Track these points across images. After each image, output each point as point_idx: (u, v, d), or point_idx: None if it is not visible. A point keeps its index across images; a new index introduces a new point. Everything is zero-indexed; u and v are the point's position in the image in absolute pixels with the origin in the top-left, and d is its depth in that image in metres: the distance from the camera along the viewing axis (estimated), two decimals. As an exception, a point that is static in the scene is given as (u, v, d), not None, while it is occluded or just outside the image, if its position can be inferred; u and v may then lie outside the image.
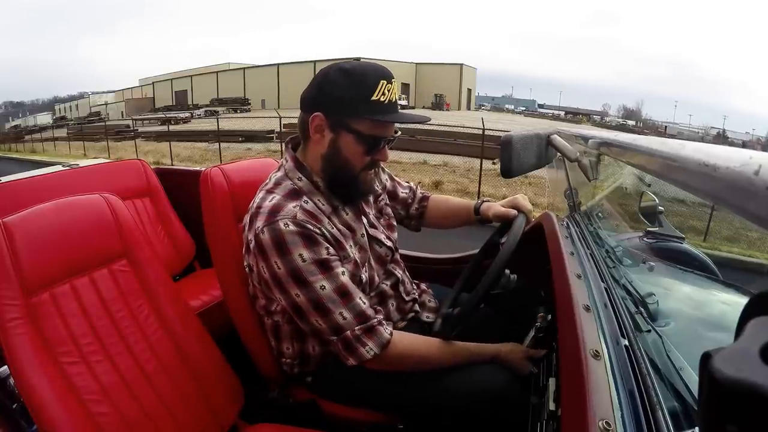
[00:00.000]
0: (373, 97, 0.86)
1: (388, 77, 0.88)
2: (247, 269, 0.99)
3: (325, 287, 0.87)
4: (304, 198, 0.93)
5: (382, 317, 0.93)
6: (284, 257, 0.86)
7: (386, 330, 0.92)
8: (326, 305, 0.88)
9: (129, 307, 1.02)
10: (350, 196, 0.99)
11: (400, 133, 0.99)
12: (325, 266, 0.88)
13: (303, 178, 0.96)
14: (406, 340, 0.94)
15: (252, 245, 0.90)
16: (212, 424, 1.03)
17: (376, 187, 1.15)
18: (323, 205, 0.95)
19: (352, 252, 0.97)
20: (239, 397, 1.11)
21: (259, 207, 0.91)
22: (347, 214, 1.00)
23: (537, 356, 0.95)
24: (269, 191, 0.94)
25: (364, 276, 0.99)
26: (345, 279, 0.90)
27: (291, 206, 0.89)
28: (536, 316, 0.98)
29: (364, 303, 0.91)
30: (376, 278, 1.05)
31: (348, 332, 0.89)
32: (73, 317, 0.93)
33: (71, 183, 1.70)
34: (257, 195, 0.96)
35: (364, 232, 1.04)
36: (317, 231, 0.89)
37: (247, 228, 0.93)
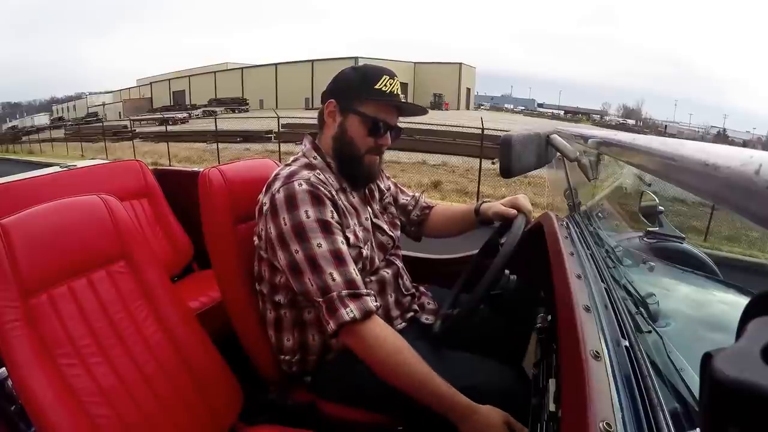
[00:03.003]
0: (376, 86, 1.00)
1: (391, 74, 1.03)
2: (256, 239, 1.03)
3: (321, 245, 0.92)
4: (317, 171, 1.02)
5: (373, 293, 0.94)
6: (292, 212, 0.93)
7: (373, 302, 0.91)
8: (320, 263, 0.91)
9: (127, 308, 1.01)
10: (355, 177, 1.08)
11: (402, 128, 1.08)
12: (326, 227, 0.93)
13: (318, 157, 1.06)
14: (392, 333, 0.92)
15: (266, 207, 0.97)
16: (211, 426, 1.03)
17: (381, 187, 1.22)
18: (333, 182, 1.04)
19: (356, 229, 1.03)
20: (238, 398, 1.10)
21: (277, 174, 1.01)
22: (354, 198, 1.08)
23: (516, 428, 0.85)
24: (287, 165, 1.05)
25: (365, 251, 1.03)
26: (343, 247, 0.94)
27: (306, 172, 0.99)
28: (536, 317, 0.98)
29: (357, 275, 0.93)
30: (377, 261, 1.09)
31: (334, 293, 0.89)
32: (71, 319, 0.93)
33: (69, 184, 1.70)
34: (278, 169, 1.05)
35: (369, 217, 1.10)
36: (327, 194, 0.96)
37: (263, 194, 1.00)
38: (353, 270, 0.93)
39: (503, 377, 0.98)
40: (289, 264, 0.93)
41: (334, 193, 1.00)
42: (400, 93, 1.04)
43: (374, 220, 1.12)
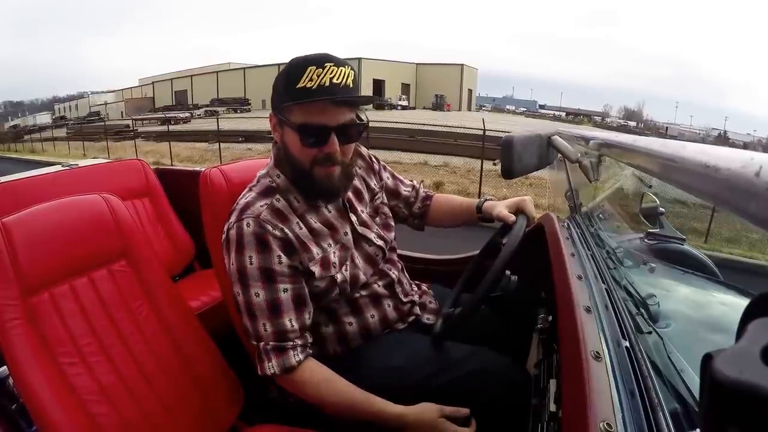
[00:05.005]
0: (299, 85, 0.84)
1: (319, 62, 0.84)
2: None
3: (258, 295, 0.89)
4: (277, 196, 0.95)
5: (301, 343, 0.92)
6: (238, 255, 0.89)
7: (296, 357, 0.90)
8: (255, 312, 0.90)
9: (128, 307, 1.02)
10: (314, 196, 0.97)
11: (365, 122, 0.95)
12: (267, 276, 0.89)
13: (281, 175, 0.97)
14: (314, 379, 0.91)
15: (223, 238, 0.93)
16: (211, 425, 1.03)
17: (372, 186, 1.14)
18: (298, 203, 0.96)
19: (330, 250, 0.97)
20: (239, 397, 1.10)
21: (236, 203, 0.95)
22: (330, 212, 1.00)
23: (457, 415, 0.89)
24: (250, 188, 0.98)
25: (341, 275, 0.98)
26: (284, 296, 0.91)
27: (259, 205, 0.92)
28: (537, 318, 0.98)
29: (293, 325, 0.91)
30: (363, 277, 1.02)
31: (262, 344, 0.91)
32: (72, 317, 0.93)
33: (70, 183, 1.71)
34: (243, 192, 0.99)
35: (348, 231, 1.03)
36: (276, 234, 0.90)
37: (227, 220, 0.96)
38: (288, 320, 0.90)
39: (503, 363, 0.98)
40: (233, 300, 0.95)
41: (292, 224, 0.93)
42: (339, 80, 0.85)
43: (359, 229, 1.04)
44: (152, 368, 0.99)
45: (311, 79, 0.83)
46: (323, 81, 0.83)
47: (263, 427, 1.03)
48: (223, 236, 0.93)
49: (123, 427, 0.90)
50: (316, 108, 0.86)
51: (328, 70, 0.84)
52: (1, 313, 0.83)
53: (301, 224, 0.95)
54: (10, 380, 1.04)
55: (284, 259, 0.91)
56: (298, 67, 0.85)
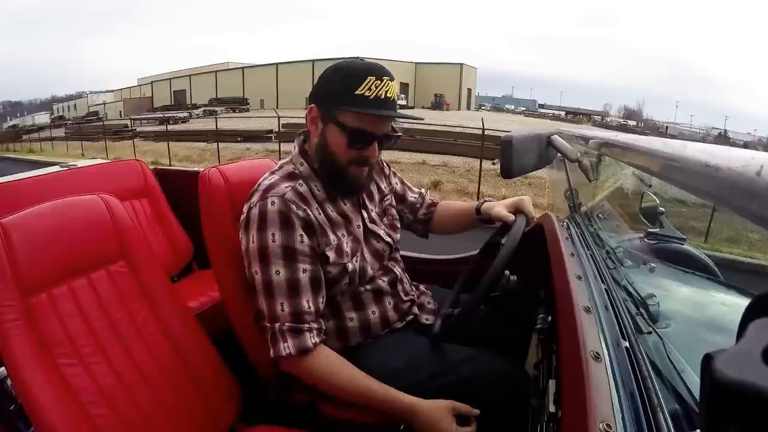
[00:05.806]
0: (357, 91, 0.89)
1: (379, 74, 0.90)
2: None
3: (279, 273, 0.91)
4: (300, 181, 0.98)
5: (317, 327, 0.93)
6: (261, 232, 0.92)
7: (312, 339, 0.91)
8: (274, 290, 0.92)
9: (127, 308, 1.01)
10: (340, 188, 1.01)
11: (400, 134, 1.01)
12: (289, 255, 0.91)
13: (305, 163, 1.01)
14: (329, 363, 0.93)
15: (243, 218, 0.96)
16: (210, 426, 1.03)
17: (383, 188, 1.18)
18: (318, 191, 1.00)
19: (343, 240, 1.00)
20: (237, 398, 1.10)
21: (258, 185, 0.99)
22: (345, 204, 1.04)
23: (469, 413, 0.90)
24: (272, 172, 1.01)
25: (352, 265, 1.00)
26: (302, 276, 0.92)
27: (283, 186, 0.95)
28: (536, 318, 0.98)
29: (310, 307, 0.92)
30: (370, 271, 1.05)
31: (278, 323, 0.91)
32: (70, 318, 0.92)
33: (69, 183, 1.70)
34: (263, 176, 1.02)
35: (360, 224, 1.06)
36: (300, 214, 0.93)
37: (246, 202, 0.98)
38: (306, 301, 0.92)
39: (502, 364, 0.99)
40: (250, 281, 0.96)
41: (313, 208, 0.96)
42: (390, 95, 0.92)
43: (369, 225, 1.08)
44: (151, 369, 0.99)
45: (369, 89, 0.89)
46: (379, 93, 0.90)
47: (262, 427, 1.03)
48: (243, 216, 0.95)
49: (121, 428, 0.89)
50: (369, 118, 0.92)
51: (385, 83, 0.90)
52: (0, 314, 0.83)
53: (320, 210, 0.98)
54: (8, 381, 1.04)
55: (306, 239, 0.93)
56: (357, 73, 0.90)
